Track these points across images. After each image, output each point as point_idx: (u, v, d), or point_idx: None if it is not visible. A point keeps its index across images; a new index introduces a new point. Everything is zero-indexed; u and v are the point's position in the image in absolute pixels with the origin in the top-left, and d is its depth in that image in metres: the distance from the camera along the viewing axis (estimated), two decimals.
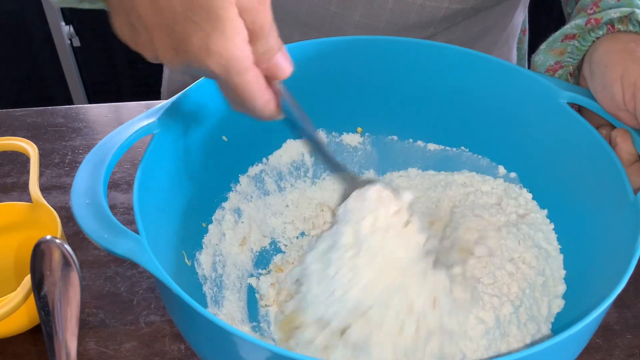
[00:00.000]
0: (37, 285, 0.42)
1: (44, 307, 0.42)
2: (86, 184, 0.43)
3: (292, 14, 0.71)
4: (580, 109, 0.55)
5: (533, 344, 0.48)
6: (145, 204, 0.44)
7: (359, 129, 0.63)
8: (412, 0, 0.67)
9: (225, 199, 0.58)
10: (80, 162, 0.71)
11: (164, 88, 0.91)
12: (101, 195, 0.42)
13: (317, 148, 0.51)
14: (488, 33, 0.76)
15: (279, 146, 0.62)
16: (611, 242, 0.47)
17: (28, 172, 0.58)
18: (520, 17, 0.83)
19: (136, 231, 0.41)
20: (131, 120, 0.48)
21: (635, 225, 0.44)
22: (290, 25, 0.72)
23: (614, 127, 0.52)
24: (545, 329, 0.50)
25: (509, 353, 0.47)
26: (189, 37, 0.37)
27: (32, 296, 0.44)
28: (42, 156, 0.71)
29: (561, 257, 0.54)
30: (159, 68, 0.90)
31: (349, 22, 0.70)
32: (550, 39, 0.57)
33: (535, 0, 0.78)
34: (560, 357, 0.40)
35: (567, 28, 0.55)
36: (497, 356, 0.47)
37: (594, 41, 0.54)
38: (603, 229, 0.49)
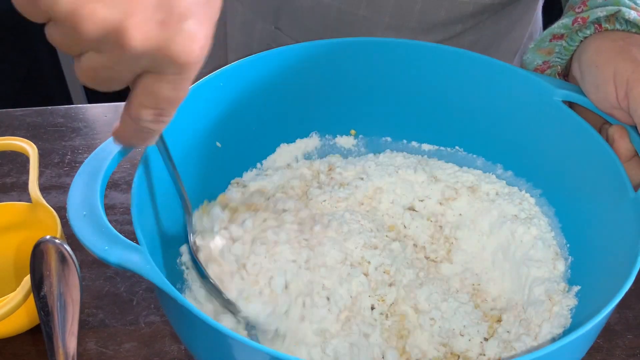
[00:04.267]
0: (37, 285, 0.42)
1: (44, 307, 0.42)
2: (82, 196, 0.42)
3: (320, 20, 0.70)
4: (575, 107, 0.54)
5: (539, 346, 0.48)
6: (143, 213, 0.44)
7: (353, 132, 0.63)
8: None
9: None
10: (79, 162, 0.71)
11: None
12: (98, 206, 0.42)
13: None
14: (513, 28, 0.76)
15: (272, 151, 0.61)
16: (613, 241, 0.47)
17: (27, 172, 0.58)
18: (540, 14, 0.83)
19: (134, 232, 0.41)
20: None
21: (637, 223, 0.43)
22: (318, 32, 0.71)
23: (611, 125, 0.52)
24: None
25: (515, 356, 0.47)
26: (188, 18, 0.31)
27: (31, 296, 0.44)
28: (42, 156, 0.71)
29: (563, 261, 0.53)
30: None
31: (378, 25, 0.69)
32: (539, 38, 0.57)
33: None
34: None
35: (554, 27, 0.55)
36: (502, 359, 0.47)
37: (581, 41, 0.53)
38: (603, 228, 0.49)
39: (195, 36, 0.31)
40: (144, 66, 0.31)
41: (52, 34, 0.31)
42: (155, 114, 0.33)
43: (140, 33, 0.29)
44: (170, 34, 0.30)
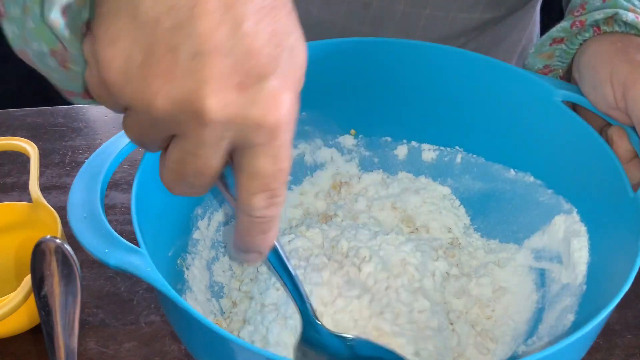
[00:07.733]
0: (37, 285, 0.42)
1: (44, 307, 0.42)
2: (83, 198, 0.42)
3: (323, 36, 0.70)
4: (576, 108, 0.55)
5: (540, 347, 0.48)
6: (143, 213, 0.43)
7: (353, 131, 0.63)
8: (444, 15, 0.67)
9: (220, 207, 0.57)
10: (80, 162, 0.71)
11: None
12: (99, 208, 0.41)
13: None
14: (512, 31, 0.77)
15: None
16: (612, 241, 0.47)
17: (28, 172, 0.58)
18: (538, 15, 0.83)
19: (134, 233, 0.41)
20: None
21: (636, 223, 0.44)
22: None
23: (611, 126, 0.52)
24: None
25: (517, 357, 0.47)
26: (267, 77, 0.28)
27: (32, 296, 0.44)
28: (42, 156, 0.71)
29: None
30: None
31: None
32: (539, 42, 0.57)
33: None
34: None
35: (553, 31, 0.55)
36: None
37: (581, 44, 0.54)
38: (602, 228, 0.49)
39: (278, 95, 0.28)
40: (232, 141, 0.28)
41: (130, 126, 0.29)
42: (266, 197, 0.30)
43: (217, 101, 0.26)
44: (250, 96, 0.27)
